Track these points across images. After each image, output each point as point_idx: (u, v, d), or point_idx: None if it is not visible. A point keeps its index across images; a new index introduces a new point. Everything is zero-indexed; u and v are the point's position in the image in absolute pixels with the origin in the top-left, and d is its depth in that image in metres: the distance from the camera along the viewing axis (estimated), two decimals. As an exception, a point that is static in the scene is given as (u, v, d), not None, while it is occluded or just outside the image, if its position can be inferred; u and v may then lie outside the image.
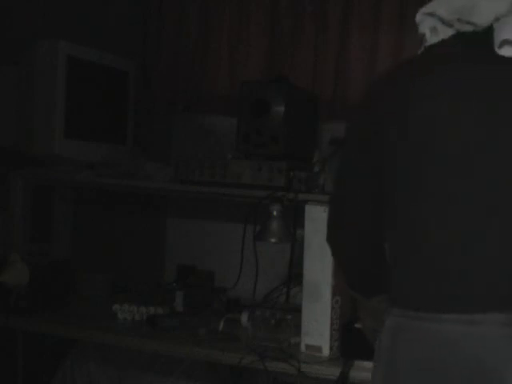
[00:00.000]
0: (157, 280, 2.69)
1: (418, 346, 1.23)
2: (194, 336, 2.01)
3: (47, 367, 2.51)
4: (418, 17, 1.34)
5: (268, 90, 2.31)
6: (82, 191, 2.63)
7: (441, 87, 1.25)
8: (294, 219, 2.16)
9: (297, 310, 1.97)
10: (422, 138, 1.25)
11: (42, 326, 2.14)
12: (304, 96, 2.51)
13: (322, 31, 2.63)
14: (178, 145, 2.92)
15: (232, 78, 2.75)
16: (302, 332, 1.89)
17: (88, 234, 2.67)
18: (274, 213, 2.16)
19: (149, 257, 2.85)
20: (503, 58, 1.23)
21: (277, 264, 2.49)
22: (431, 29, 1.31)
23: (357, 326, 1.78)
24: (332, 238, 1.49)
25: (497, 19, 1.24)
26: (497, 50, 1.23)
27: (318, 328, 1.86)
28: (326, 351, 1.85)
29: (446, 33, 1.30)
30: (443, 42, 1.30)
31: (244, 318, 2.11)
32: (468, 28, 1.27)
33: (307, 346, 1.88)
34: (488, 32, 1.25)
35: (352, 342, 1.80)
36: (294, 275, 2.22)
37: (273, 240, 2.17)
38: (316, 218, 1.84)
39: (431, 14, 1.30)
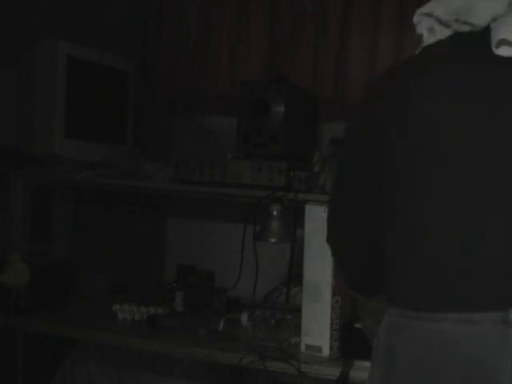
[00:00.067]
0: (157, 280, 2.69)
1: (417, 346, 1.23)
2: (194, 336, 2.01)
3: (47, 367, 2.51)
4: (416, 17, 1.33)
5: (268, 90, 2.31)
6: (82, 191, 2.63)
7: (440, 87, 1.25)
8: (294, 219, 2.16)
9: (297, 310, 1.97)
10: (422, 137, 1.24)
11: (42, 325, 2.14)
12: (304, 96, 2.51)
13: (322, 31, 2.63)
14: (177, 145, 2.93)
15: (232, 78, 2.75)
16: (302, 332, 1.89)
17: (88, 234, 2.67)
18: (274, 213, 2.16)
19: (149, 257, 2.85)
20: (501, 58, 1.23)
21: (277, 264, 2.49)
22: (429, 29, 1.31)
23: (357, 325, 1.78)
24: (332, 238, 1.49)
25: (494, 19, 1.24)
26: (494, 49, 1.23)
27: (317, 328, 1.86)
28: (325, 351, 1.86)
29: (443, 33, 1.30)
30: (440, 43, 1.30)
31: (244, 317, 2.11)
32: (465, 28, 1.27)
33: (307, 346, 1.88)
34: (485, 32, 1.25)
35: (352, 342, 1.80)
36: (294, 275, 2.22)
37: (273, 240, 2.17)
38: (316, 218, 1.83)
39: (429, 15, 1.30)
